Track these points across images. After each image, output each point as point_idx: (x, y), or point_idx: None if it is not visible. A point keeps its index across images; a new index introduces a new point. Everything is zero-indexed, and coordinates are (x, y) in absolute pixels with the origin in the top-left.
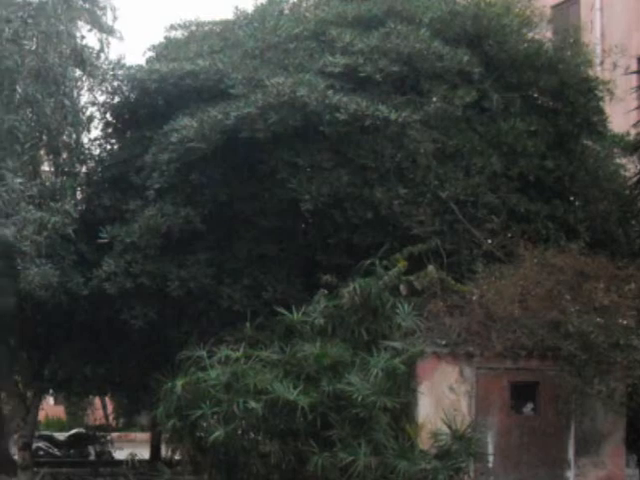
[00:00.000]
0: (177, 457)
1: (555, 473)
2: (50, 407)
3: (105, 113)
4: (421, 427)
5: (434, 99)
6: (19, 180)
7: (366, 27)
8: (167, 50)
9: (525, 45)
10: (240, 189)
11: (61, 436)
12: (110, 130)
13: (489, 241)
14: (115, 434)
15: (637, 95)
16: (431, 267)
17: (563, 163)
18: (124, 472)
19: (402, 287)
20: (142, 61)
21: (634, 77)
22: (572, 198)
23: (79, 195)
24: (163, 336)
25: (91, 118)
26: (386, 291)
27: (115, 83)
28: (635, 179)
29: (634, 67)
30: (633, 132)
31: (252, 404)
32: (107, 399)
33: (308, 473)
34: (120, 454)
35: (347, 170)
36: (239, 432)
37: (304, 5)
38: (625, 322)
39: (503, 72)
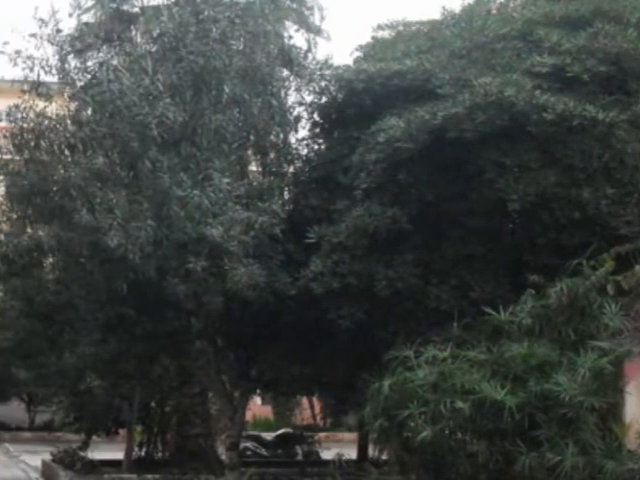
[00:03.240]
0: (384, 457)
1: None
2: (257, 407)
3: (312, 113)
4: (628, 427)
5: None
6: (226, 180)
7: (573, 27)
8: (374, 50)
9: None
10: (447, 189)
11: (269, 436)
12: (317, 130)
13: None
14: (322, 434)
15: None
16: (638, 267)
17: None
18: (331, 472)
19: (609, 287)
20: (349, 61)
21: None
22: None
23: (286, 195)
24: (370, 336)
25: (298, 118)
26: (593, 291)
27: (322, 83)
28: None
29: None
30: None
31: (459, 404)
32: (315, 399)
33: (515, 473)
34: (327, 454)
35: (554, 170)
36: (446, 432)
37: (511, 5)
38: None
39: None
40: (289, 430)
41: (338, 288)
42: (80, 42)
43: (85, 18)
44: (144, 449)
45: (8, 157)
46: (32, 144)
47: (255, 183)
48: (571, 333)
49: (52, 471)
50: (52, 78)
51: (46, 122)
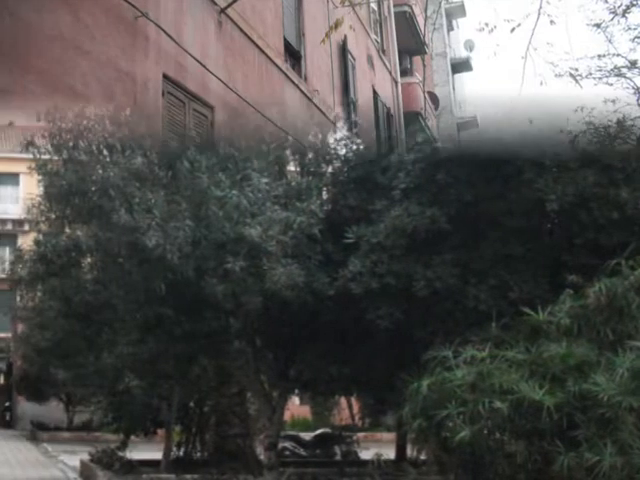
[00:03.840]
0: (423, 457)
1: None
2: (296, 407)
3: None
4: None
5: None
6: (265, 180)
7: None
8: None
9: None
10: (485, 189)
11: (307, 436)
12: (356, 130)
13: None
14: (361, 434)
15: None
16: None
17: None
18: (370, 472)
19: None
20: None
21: None
22: None
23: (325, 195)
24: (409, 336)
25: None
26: (632, 291)
27: None
28: None
29: None
30: None
31: (498, 404)
32: (353, 399)
33: (553, 473)
34: (366, 454)
35: (593, 170)
36: (485, 432)
37: None
38: None
39: None
40: (327, 430)
41: (377, 288)
42: None
43: None
44: (182, 449)
45: (46, 157)
46: (70, 144)
47: (293, 183)
48: (609, 333)
49: (90, 471)
50: None
51: (85, 122)
